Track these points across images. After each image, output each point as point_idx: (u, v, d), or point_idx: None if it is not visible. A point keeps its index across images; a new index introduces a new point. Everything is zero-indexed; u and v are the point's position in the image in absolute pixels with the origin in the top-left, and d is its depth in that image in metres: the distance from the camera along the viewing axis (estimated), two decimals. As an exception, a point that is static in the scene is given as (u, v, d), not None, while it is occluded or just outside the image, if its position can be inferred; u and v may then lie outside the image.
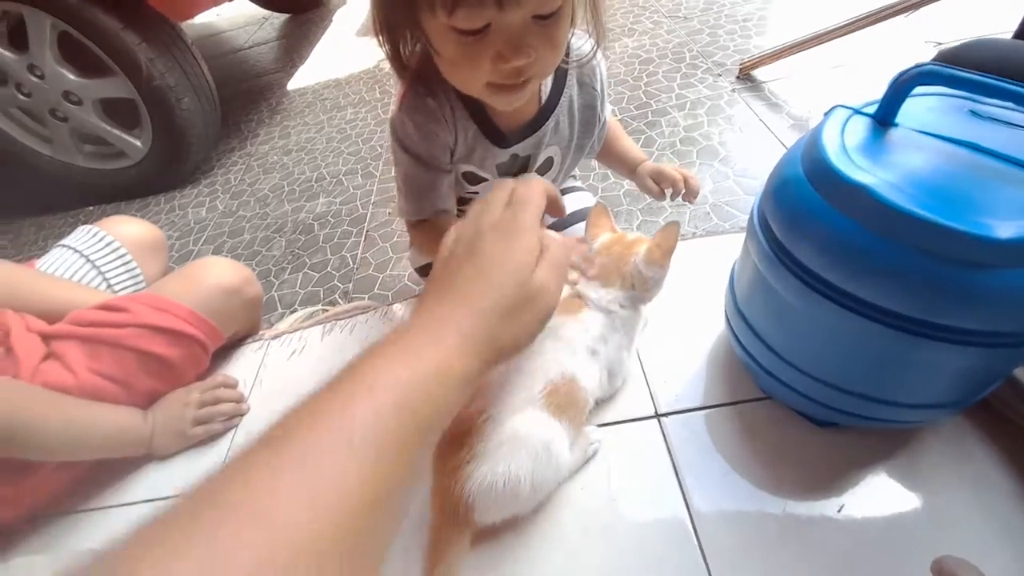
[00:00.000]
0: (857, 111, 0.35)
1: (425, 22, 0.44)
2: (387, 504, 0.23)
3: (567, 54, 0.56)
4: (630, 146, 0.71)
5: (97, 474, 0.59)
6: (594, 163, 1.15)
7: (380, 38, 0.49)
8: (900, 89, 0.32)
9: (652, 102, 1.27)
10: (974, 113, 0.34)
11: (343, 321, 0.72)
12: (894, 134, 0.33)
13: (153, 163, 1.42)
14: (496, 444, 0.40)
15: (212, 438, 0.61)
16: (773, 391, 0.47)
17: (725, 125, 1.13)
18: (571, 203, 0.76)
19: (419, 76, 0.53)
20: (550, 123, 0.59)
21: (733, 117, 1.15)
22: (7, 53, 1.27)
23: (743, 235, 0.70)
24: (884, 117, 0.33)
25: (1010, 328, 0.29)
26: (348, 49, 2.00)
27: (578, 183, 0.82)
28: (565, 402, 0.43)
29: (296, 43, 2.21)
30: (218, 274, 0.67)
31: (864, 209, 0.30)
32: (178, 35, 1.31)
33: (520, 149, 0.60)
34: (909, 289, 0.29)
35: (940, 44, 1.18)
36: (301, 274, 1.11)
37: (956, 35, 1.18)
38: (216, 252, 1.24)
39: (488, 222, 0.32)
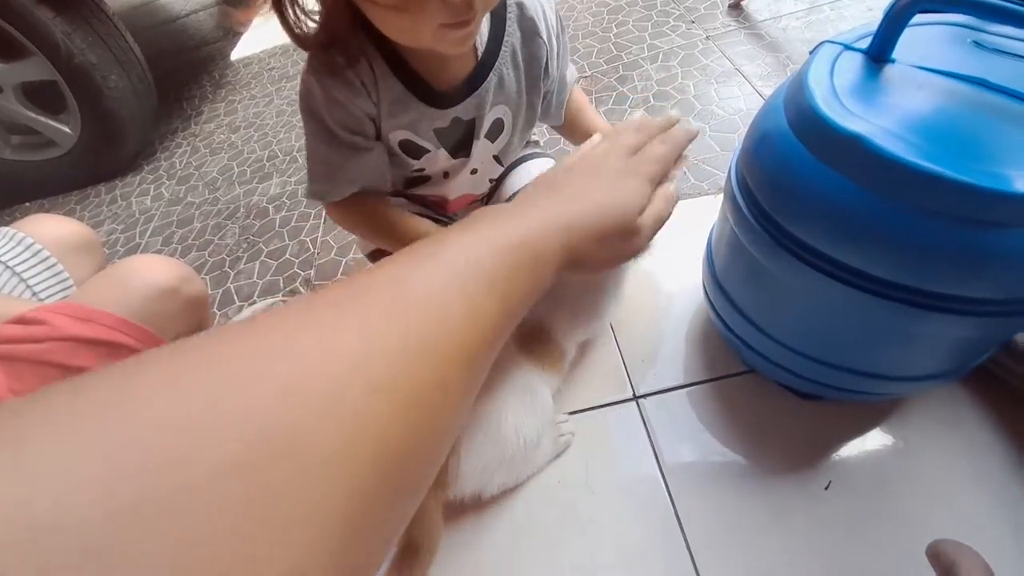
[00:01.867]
0: (848, 47, 0.30)
1: None
2: (475, 367, 0.21)
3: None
4: (595, 118, 0.65)
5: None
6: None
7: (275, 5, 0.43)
8: (898, 17, 0.26)
9: (623, 55, 1.19)
10: (978, 44, 0.29)
11: (298, 315, 0.66)
12: (891, 72, 0.28)
13: (87, 150, 1.30)
14: None
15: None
16: (756, 365, 0.44)
17: (700, 76, 1.07)
18: (531, 171, 0.70)
19: (325, 37, 0.46)
20: (492, 78, 0.53)
21: (708, 67, 1.08)
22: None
23: (721, 197, 0.66)
24: (879, 52, 0.28)
25: (1021, 295, 0.25)
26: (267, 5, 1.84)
27: (540, 148, 0.76)
28: (540, 350, 0.42)
29: (237, 7, 2.02)
30: (149, 273, 0.60)
31: (858, 163, 0.25)
32: (96, 6, 1.17)
33: (462, 112, 0.54)
34: (910, 255, 0.25)
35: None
36: (258, 263, 1.04)
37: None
38: (165, 243, 1.15)
39: (616, 158, 0.33)
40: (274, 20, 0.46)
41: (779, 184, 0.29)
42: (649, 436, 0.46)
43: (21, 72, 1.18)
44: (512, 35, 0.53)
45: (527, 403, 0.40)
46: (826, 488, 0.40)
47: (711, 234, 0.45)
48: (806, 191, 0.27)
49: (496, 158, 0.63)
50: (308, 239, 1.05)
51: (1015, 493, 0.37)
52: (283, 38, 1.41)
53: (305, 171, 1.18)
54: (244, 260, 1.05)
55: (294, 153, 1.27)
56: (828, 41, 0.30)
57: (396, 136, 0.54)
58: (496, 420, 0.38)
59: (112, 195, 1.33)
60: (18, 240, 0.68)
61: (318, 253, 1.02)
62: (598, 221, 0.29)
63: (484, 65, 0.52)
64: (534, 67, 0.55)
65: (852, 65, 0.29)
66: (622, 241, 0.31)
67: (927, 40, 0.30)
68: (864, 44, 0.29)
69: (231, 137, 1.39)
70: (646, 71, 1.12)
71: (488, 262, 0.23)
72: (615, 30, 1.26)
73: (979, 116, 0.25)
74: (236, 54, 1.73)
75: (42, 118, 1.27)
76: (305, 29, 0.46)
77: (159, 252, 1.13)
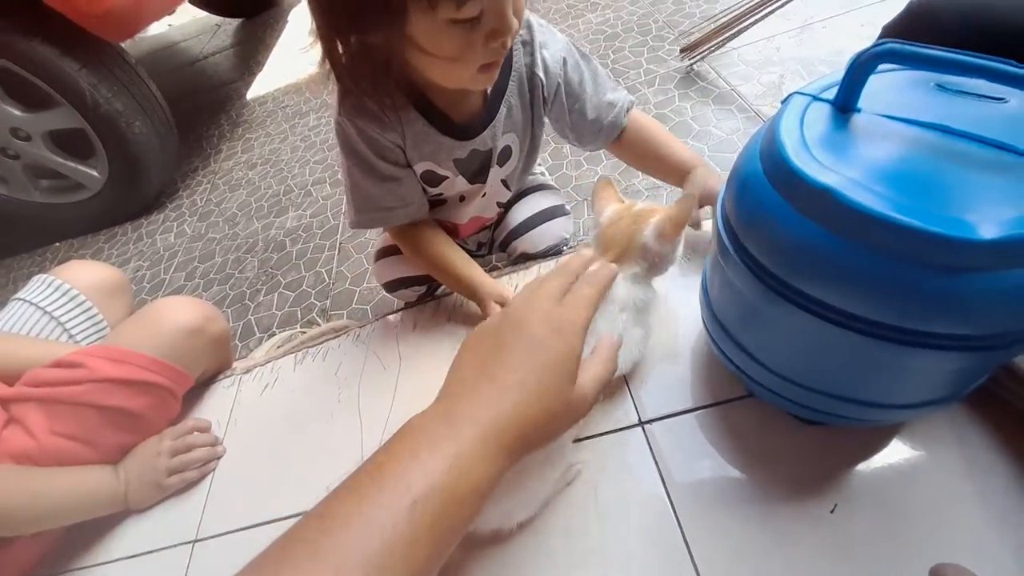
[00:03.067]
0: (816, 97, 0.32)
1: (415, 25, 0.42)
2: None
3: None
4: (676, 148, 0.62)
5: (75, 535, 0.58)
6: (566, 148, 1.11)
7: (323, 41, 0.47)
8: (858, 73, 0.29)
9: (621, 80, 1.22)
10: (941, 87, 0.31)
11: (315, 348, 0.69)
12: (858, 121, 0.30)
13: (113, 192, 1.38)
14: None
15: (189, 485, 0.59)
16: (756, 392, 0.45)
17: (697, 98, 1.10)
18: (537, 202, 0.73)
19: (354, 77, 0.51)
20: (502, 109, 0.57)
21: (705, 89, 1.11)
22: (-55, 96, 1.21)
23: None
24: (845, 103, 0.30)
25: (1000, 330, 0.26)
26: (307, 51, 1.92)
27: (546, 179, 0.79)
28: None
29: (252, 48, 2.12)
30: (177, 315, 0.64)
31: (830, 213, 0.27)
32: (120, 56, 1.25)
33: (479, 143, 0.58)
34: (884, 297, 0.27)
35: (912, -9, 1.14)
36: (276, 294, 1.08)
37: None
38: (188, 278, 1.20)
39: (541, 311, 0.32)
40: (285, 58, 0.50)
41: (760, 229, 0.31)
42: (656, 461, 0.47)
43: (49, 121, 1.26)
44: (519, 70, 0.57)
45: (552, 457, 0.41)
46: (832, 511, 0.41)
47: (706, 264, 0.47)
48: (785, 236, 0.29)
49: (504, 182, 0.67)
50: (324, 270, 1.10)
51: (1017, 513, 0.38)
52: (295, 76, 1.49)
53: (319, 204, 1.24)
54: (263, 292, 1.09)
55: (309, 187, 1.32)
56: (797, 92, 0.32)
57: (419, 168, 0.59)
58: (520, 476, 0.39)
59: (138, 233, 1.40)
60: (56, 287, 0.72)
61: (333, 283, 1.06)
62: (534, 412, 0.28)
63: (493, 100, 0.56)
64: (535, 99, 0.59)
65: (821, 116, 0.31)
66: (560, 421, 0.30)
67: (891, 87, 0.32)
68: (831, 94, 0.31)
69: (249, 174, 1.45)
70: (644, 95, 1.16)
71: (406, 528, 0.23)
72: (612, 56, 1.30)
73: (942, 163, 0.27)
74: (252, 93, 1.82)
75: (70, 163, 1.34)
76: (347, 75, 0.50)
77: (182, 287, 1.18)
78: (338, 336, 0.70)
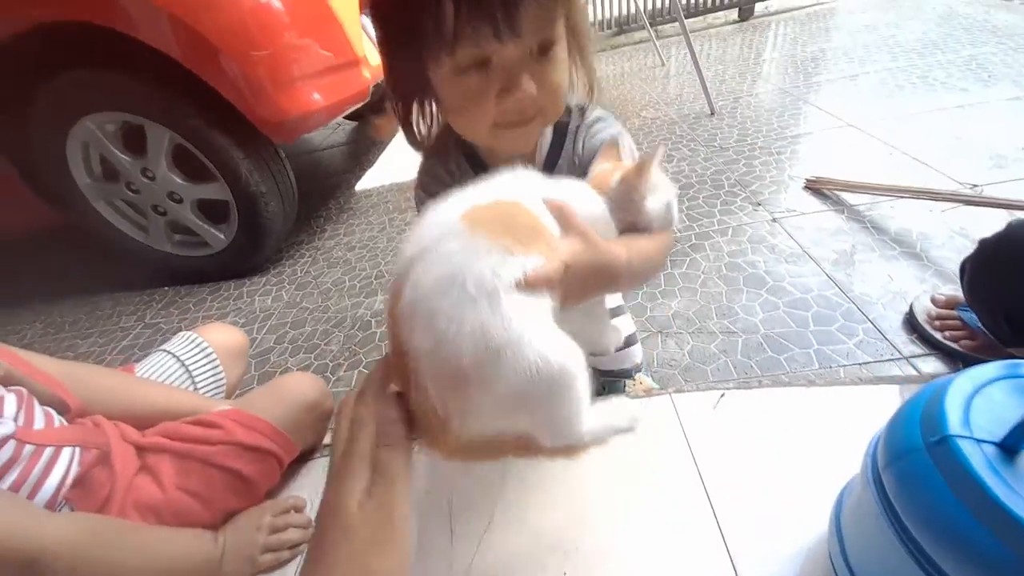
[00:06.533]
0: (977, 440, 0.33)
1: (432, 75, 0.47)
2: None
3: (569, 113, 0.59)
4: None
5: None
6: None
7: (394, 106, 0.53)
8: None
9: (695, 225, 1.34)
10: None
11: (409, 442, 0.74)
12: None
13: (231, 253, 1.57)
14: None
15: (279, 564, 0.61)
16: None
17: (769, 254, 1.19)
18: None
19: (433, 148, 0.58)
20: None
21: (776, 247, 1.20)
22: (125, 157, 1.48)
23: (809, 388, 0.71)
24: (1014, 445, 0.33)
25: None
26: (411, 156, 2.22)
27: (621, 304, 0.86)
28: (508, 223, 0.35)
29: (364, 148, 2.48)
30: (301, 390, 0.72)
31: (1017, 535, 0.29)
32: (276, 151, 1.50)
33: None
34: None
35: (976, 186, 1.25)
36: (356, 372, 1.16)
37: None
38: (277, 341, 1.31)
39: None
40: (392, 160, 0.59)
41: (926, 520, 0.33)
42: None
43: (203, 191, 1.50)
44: (570, 145, 0.60)
45: (475, 301, 0.33)
46: None
47: (842, 493, 0.48)
48: (957, 538, 0.31)
49: None
50: (403, 357, 1.18)
51: None
52: (399, 177, 1.71)
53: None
54: (344, 367, 1.17)
55: (399, 276, 1.46)
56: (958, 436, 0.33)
57: None
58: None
59: (239, 291, 1.56)
60: (195, 343, 0.82)
61: (411, 371, 1.13)
62: None
63: (546, 170, 0.60)
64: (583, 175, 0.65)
65: (993, 427, 0.33)
66: None
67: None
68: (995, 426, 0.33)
69: (347, 255, 1.63)
70: (717, 243, 1.26)
71: None
72: (687, 203, 1.44)
73: None
74: (360, 186, 2.09)
75: (206, 225, 1.56)
76: (418, 138, 0.58)
77: (271, 348, 1.28)
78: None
